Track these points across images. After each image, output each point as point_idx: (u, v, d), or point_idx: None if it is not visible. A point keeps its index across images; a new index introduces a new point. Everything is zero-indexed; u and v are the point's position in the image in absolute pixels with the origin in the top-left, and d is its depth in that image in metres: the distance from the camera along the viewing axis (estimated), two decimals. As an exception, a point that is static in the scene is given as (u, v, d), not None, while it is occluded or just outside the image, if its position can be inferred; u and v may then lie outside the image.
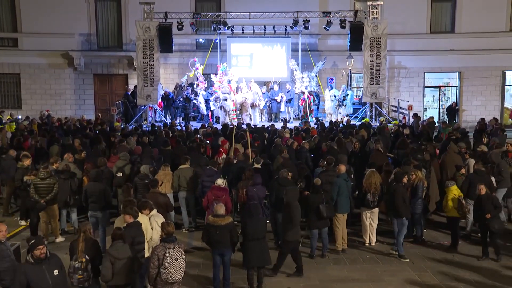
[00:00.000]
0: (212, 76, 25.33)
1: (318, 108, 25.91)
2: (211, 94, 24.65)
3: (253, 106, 24.43)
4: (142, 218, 9.15)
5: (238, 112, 24.55)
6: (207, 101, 24.76)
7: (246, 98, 24.25)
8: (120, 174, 13.30)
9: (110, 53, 28.76)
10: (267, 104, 25.45)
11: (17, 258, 9.16)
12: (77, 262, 8.16)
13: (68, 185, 12.62)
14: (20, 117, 24.32)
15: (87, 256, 8.19)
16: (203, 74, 25.77)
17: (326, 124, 21.61)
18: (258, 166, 13.23)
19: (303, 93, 24.90)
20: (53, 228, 12.48)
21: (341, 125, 21.38)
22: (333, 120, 23.13)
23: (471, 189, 12.25)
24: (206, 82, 25.54)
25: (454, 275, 10.53)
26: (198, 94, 25.02)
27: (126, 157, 13.85)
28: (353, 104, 26.14)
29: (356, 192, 13.45)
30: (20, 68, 28.43)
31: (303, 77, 24.98)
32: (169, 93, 25.25)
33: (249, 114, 24.55)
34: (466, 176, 12.93)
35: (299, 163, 13.92)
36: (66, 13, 27.70)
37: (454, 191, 11.86)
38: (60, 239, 12.50)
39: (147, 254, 9.00)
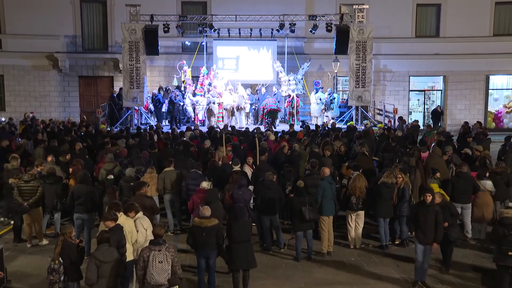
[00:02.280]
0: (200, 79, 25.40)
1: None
2: (193, 95, 24.73)
3: (238, 109, 24.43)
4: (127, 221, 9.12)
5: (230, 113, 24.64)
6: (193, 104, 24.78)
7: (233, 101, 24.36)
8: (111, 176, 13.19)
9: (95, 55, 28.59)
10: (253, 107, 25.47)
11: (-1, 260, 9.10)
12: (52, 263, 8.37)
13: (54, 189, 12.53)
14: (3, 119, 24.10)
15: (60, 259, 8.33)
16: (191, 77, 25.82)
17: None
18: (237, 168, 13.27)
19: (289, 96, 24.94)
20: (37, 231, 12.37)
21: (326, 128, 21.43)
22: (319, 123, 23.22)
23: (455, 192, 12.36)
24: (194, 85, 25.51)
25: (438, 277, 10.60)
26: (185, 97, 25.00)
27: (112, 159, 13.82)
28: (339, 107, 26.25)
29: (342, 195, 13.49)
30: (3, 69, 28.14)
31: (289, 80, 25.03)
32: (157, 95, 25.13)
33: (235, 117, 24.58)
34: (449, 179, 13.02)
35: (286, 166, 13.94)
36: (51, 14, 27.51)
37: (435, 188, 11.99)
38: (44, 241, 12.40)
39: (131, 257, 8.98)
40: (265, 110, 24.47)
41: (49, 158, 13.90)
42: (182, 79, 25.90)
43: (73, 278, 8.50)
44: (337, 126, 22.06)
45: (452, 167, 14.29)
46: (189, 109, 24.93)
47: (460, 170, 12.77)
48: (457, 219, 11.17)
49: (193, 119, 24.87)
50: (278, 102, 24.89)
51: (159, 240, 8.13)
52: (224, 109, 24.21)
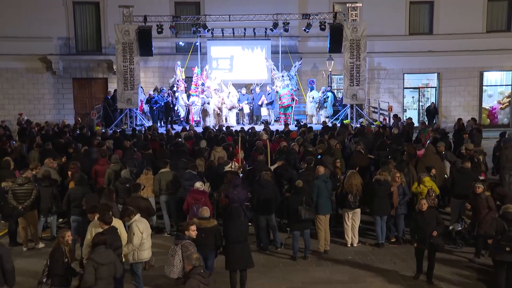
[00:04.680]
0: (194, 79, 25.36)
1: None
2: (188, 96, 24.74)
3: (230, 108, 24.41)
4: (115, 223, 9.02)
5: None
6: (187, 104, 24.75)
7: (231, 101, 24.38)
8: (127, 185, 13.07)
9: (89, 57, 28.48)
10: (249, 107, 25.46)
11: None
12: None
13: (50, 192, 12.46)
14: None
15: (48, 262, 8.34)
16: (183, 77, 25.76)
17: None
18: (228, 168, 13.29)
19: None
20: (32, 234, 12.32)
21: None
22: (314, 122, 23.22)
23: (455, 187, 12.35)
24: (186, 85, 25.46)
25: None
26: (178, 98, 24.94)
27: (117, 160, 13.80)
28: (333, 106, 26.24)
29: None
30: (-3, 72, 28.06)
31: (283, 76, 25.04)
32: (154, 96, 25.02)
33: (225, 116, 24.59)
34: (450, 174, 13.02)
35: (283, 165, 13.92)
36: (43, 17, 27.36)
37: (427, 182, 12.02)
38: (40, 245, 12.35)
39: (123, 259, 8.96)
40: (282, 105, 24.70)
41: (47, 161, 13.82)
42: (173, 79, 25.86)
43: (55, 283, 8.39)
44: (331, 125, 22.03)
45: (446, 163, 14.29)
46: (181, 109, 24.86)
47: (462, 166, 12.77)
48: (442, 228, 10.59)
49: (185, 120, 24.84)
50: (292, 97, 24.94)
51: (184, 236, 8.56)
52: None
